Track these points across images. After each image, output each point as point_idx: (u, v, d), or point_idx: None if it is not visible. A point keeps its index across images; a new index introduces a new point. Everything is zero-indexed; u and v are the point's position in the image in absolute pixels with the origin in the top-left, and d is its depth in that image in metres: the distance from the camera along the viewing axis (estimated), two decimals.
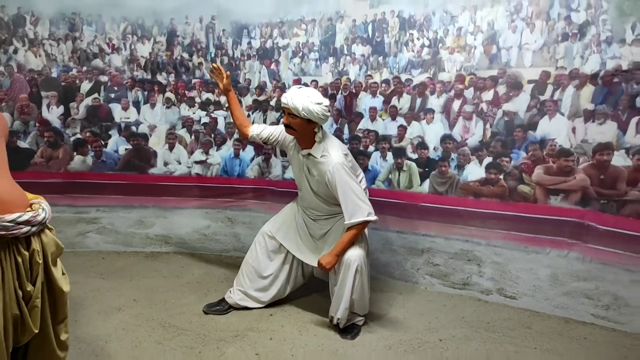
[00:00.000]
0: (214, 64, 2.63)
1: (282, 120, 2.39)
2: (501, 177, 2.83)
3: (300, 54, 3.34)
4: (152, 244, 3.69)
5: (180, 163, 3.65)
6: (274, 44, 3.41)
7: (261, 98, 3.48)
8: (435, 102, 2.97)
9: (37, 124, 3.45)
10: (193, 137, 3.62)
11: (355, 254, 2.39)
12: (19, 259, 1.37)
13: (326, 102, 2.33)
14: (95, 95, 3.52)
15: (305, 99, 2.26)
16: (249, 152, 3.58)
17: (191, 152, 3.63)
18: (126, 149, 3.60)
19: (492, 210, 2.91)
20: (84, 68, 3.49)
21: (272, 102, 3.45)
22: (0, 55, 3.36)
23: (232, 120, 3.46)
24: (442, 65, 2.93)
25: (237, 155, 3.60)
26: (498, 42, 2.77)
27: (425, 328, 2.60)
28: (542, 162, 2.71)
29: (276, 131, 2.64)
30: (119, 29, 3.48)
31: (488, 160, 2.86)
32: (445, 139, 2.96)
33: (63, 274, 1.57)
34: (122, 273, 3.20)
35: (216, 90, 3.53)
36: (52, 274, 1.50)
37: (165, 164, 3.65)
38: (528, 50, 2.69)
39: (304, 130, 2.35)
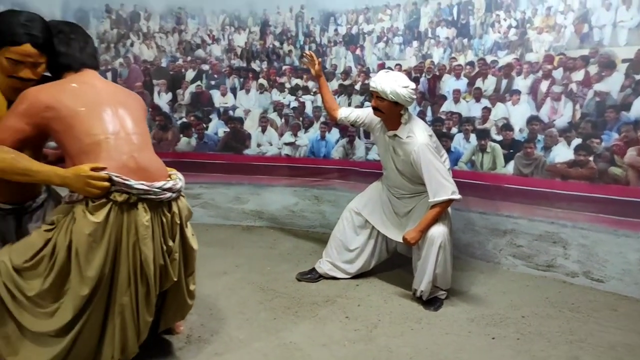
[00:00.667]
0: (306, 52, 2.84)
1: (370, 103, 2.55)
2: (591, 158, 2.79)
3: (385, 39, 3.46)
4: (247, 218, 4.05)
5: (271, 144, 3.96)
6: (359, 30, 3.56)
7: (346, 82, 3.66)
8: (521, 83, 2.97)
9: (150, 109, 3.91)
10: (283, 120, 3.89)
11: (439, 231, 2.52)
12: (164, 219, 1.69)
13: (412, 85, 2.46)
14: (198, 82, 3.91)
15: (392, 83, 2.41)
16: (334, 134, 3.79)
17: (281, 134, 3.92)
18: (224, 132, 3.97)
19: (579, 192, 2.87)
20: (189, 58, 3.88)
21: (357, 86, 3.62)
22: (119, 48, 3.84)
23: (320, 104, 3.71)
24: (530, 46, 2.91)
25: (323, 137, 3.83)
26: (590, 20, 2.70)
27: (508, 305, 2.67)
28: (635, 143, 2.64)
29: (363, 114, 2.82)
30: (218, 21, 3.82)
31: (577, 141, 2.82)
32: (532, 120, 2.96)
33: (192, 234, 1.88)
34: (224, 243, 3.58)
35: (305, 76, 3.77)
36: (185, 233, 1.82)
37: (258, 145, 3.97)
38: (623, 28, 2.60)
39: (391, 112, 2.50)
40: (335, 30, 3.62)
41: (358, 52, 3.58)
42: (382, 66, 3.46)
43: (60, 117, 1.58)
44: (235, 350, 2.12)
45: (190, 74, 3.91)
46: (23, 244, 1.62)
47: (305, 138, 3.87)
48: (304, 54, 2.86)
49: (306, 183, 3.98)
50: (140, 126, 1.75)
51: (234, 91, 3.92)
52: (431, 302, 2.64)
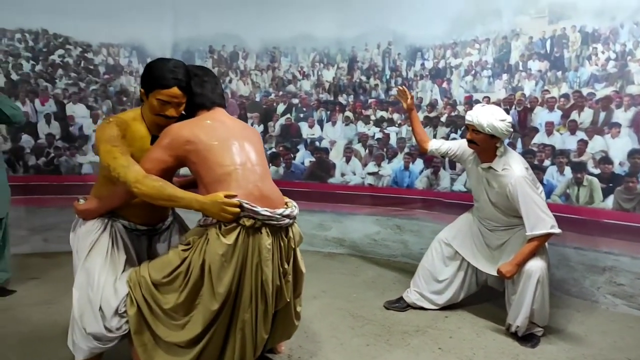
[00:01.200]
0: (399, 87, 2.97)
1: (466, 136, 2.60)
2: None
3: (473, 72, 3.52)
4: (329, 245, 4.17)
5: (355, 174, 4.09)
6: (446, 64, 3.65)
7: (432, 115, 3.73)
8: (622, 115, 2.89)
9: None
10: (367, 150, 4.02)
11: (537, 265, 2.48)
12: (282, 244, 1.84)
13: (509, 118, 2.49)
14: (288, 115, 4.16)
15: (489, 116, 2.45)
16: (418, 165, 3.86)
17: (365, 164, 4.04)
18: (310, 161, 4.16)
19: None
20: (280, 92, 4.15)
21: (443, 118, 3.68)
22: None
23: (404, 136, 3.81)
24: (631, 78, 2.84)
25: (407, 167, 3.90)
26: None
27: (610, 346, 2.55)
28: None
29: (454, 146, 2.87)
30: (309, 58, 4.07)
31: None
32: (634, 153, 2.86)
33: (301, 258, 2.01)
34: (310, 268, 3.67)
35: (390, 109, 3.89)
36: (297, 257, 1.96)
37: (342, 174, 4.11)
38: None
39: (487, 145, 2.54)
40: (422, 64, 3.73)
41: (445, 85, 3.66)
42: (469, 98, 3.51)
43: (198, 150, 1.79)
44: None
45: (281, 108, 4.17)
46: (161, 262, 1.83)
47: (389, 168, 3.96)
48: (397, 88, 2.99)
49: (388, 212, 4.04)
50: (261, 158, 1.94)
51: (320, 123, 4.12)
52: (527, 338, 2.57)
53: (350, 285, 3.42)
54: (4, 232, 3.00)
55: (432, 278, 2.94)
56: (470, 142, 2.58)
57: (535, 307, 2.50)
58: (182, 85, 1.84)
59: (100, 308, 1.77)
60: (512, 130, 2.51)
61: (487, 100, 3.42)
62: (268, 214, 1.75)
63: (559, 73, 3.11)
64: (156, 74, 1.82)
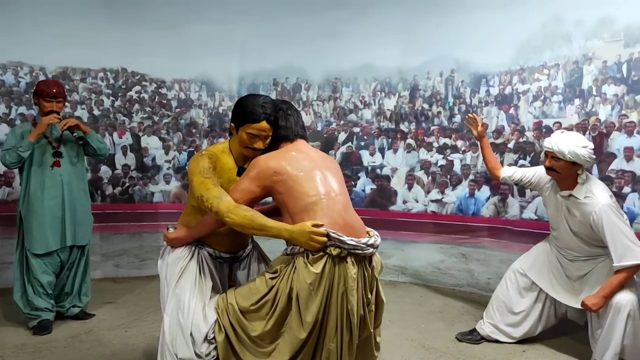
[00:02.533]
0: (469, 115, 2.95)
1: (544, 163, 2.54)
2: None
3: (542, 98, 3.45)
4: (390, 273, 4.12)
5: (417, 201, 4.05)
6: (513, 90, 3.60)
7: (498, 141, 3.67)
8: None
9: None
10: (430, 177, 3.99)
11: (626, 298, 2.35)
12: (366, 273, 1.85)
13: (591, 145, 2.42)
14: (349, 143, 4.22)
15: (571, 143, 2.39)
16: (484, 191, 3.78)
17: (428, 192, 4.00)
18: (371, 189, 4.18)
19: None
20: (341, 122, 4.23)
21: (510, 145, 3.61)
22: None
23: (468, 162, 3.76)
24: None
25: (472, 194, 3.83)
26: None
27: None
28: None
29: (529, 173, 2.80)
30: (370, 87, 4.14)
31: None
32: None
33: (381, 288, 2.00)
34: None
35: (453, 136, 3.86)
36: (379, 286, 1.95)
37: (404, 201, 4.09)
38: None
39: (567, 172, 2.46)
40: (487, 91, 3.70)
41: (511, 111, 3.60)
42: (539, 124, 3.44)
43: (284, 180, 1.85)
44: None
45: (342, 136, 4.24)
46: (248, 289, 1.87)
47: (453, 195, 3.91)
48: (467, 116, 2.97)
49: (453, 240, 3.96)
50: (343, 188, 1.97)
51: (382, 151, 4.15)
52: None
53: (417, 315, 3.36)
54: (87, 258, 3.18)
55: (508, 310, 2.83)
56: (550, 170, 2.51)
57: (627, 343, 2.35)
58: (271, 120, 1.92)
59: (191, 334, 1.83)
60: (594, 157, 2.43)
61: (559, 125, 3.33)
62: (354, 243, 1.77)
63: (638, 97, 2.99)
64: (247, 109, 1.91)
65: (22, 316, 2.98)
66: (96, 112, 4.07)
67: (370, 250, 1.84)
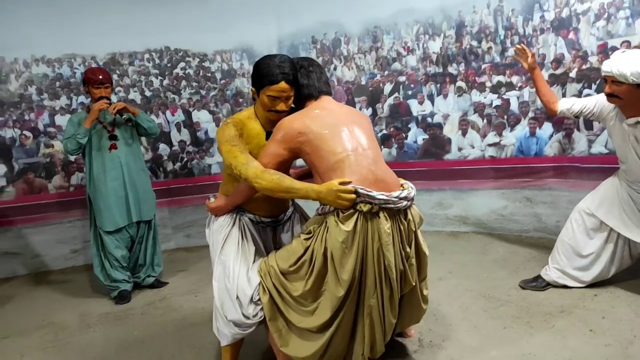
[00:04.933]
0: (517, 45, 2.69)
1: (604, 89, 2.27)
2: None
3: (606, 16, 3.05)
4: (451, 224, 4.00)
5: (473, 147, 3.84)
6: (571, 12, 3.22)
7: (558, 71, 3.33)
8: None
9: None
10: (485, 120, 3.75)
11: None
12: (402, 227, 1.79)
13: None
14: (396, 94, 4.05)
15: (632, 63, 2.10)
16: (546, 129, 3.49)
17: (484, 136, 3.77)
18: (423, 139, 4.01)
19: None
20: (386, 72, 4.05)
21: (572, 74, 3.26)
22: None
23: (526, 99, 3.47)
24: None
25: (533, 134, 3.55)
26: None
27: None
28: None
29: (590, 103, 2.52)
30: (412, 32, 3.90)
31: None
32: None
33: (423, 240, 1.94)
34: (432, 249, 3.54)
35: (508, 72, 3.57)
36: (419, 239, 1.89)
37: (460, 149, 3.89)
38: None
39: (632, 97, 2.19)
40: (542, 16, 3.34)
41: (571, 35, 3.23)
42: (604, 47, 3.06)
43: (310, 140, 1.81)
44: (472, 357, 2.10)
45: (387, 87, 4.07)
46: (286, 251, 1.90)
47: (512, 137, 3.65)
48: (515, 48, 2.71)
49: (516, 184, 3.74)
50: (372, 142, 1.90)
51: (431, 98, 3.94)
52: None
53: (479, 264, 3.25)
54: (154, 232, 3.39)
55: (575, 253, 2.65)
56: (611, 96, 2.25)
57: None
58: (289, 79, 1.88)
59: (237, 297, 1.90)
60: None
61: (627, 45, 2.94)
62: (384, 197, 1.72)
63: None
64: (264, 72, 1.88)
65: (104, 288, 3.28)
66: (147, 92, 4.24)
67: (404, 203, 1.77)
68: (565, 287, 2.69)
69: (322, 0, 4.02)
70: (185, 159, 4.34)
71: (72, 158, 4.03)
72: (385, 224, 1.72)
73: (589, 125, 3.24)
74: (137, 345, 2.54)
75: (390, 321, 1.83)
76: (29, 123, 3.95)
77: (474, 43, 3.69)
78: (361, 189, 1.70)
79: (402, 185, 1.88)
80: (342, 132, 1.84)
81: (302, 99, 1.99)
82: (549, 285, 2.73)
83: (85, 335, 2.72)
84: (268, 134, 2.01)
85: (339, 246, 1.70)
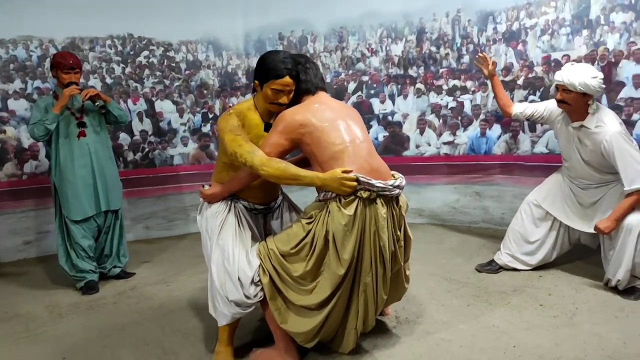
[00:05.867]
0: (480, 54, 2.99)
1: (556, 96, 2.61)
2: None
3: (550, 31, 3.46)
4: (408, 215, 4.19)
5: (430, 145, 4.15)
6: (520, 26, 3.60)
7: (508, 78, 3.71)
8: None
9: None
10: (441, 121, 4.07)
11: (637, 219, 2.49)
12: (394, 212, 1.99)
13: (600, 75, 2.48)
14: (359, 93, 4.27)
15: (581, 75, 2.45)
16: (495, 130, 3.86)
17: (440, 134, 4.09)
18: (384, 136, 4.27)
19: None
20: (350, 71, 4.26)
21: (520, 81, 3.65)
22: None
23: (478, 103, 3.81)
24: None
25: (483, 134, 3.92)
26: None
27: None
28: None
29: (540, 107, 2.88)
30: (376, 34, 4.14)
31: None
32: None
33: (407, 225, 2.15)
34: None
35: (462, 77, 3.90)
36: (405, 224, 2.10)
37: (417, 146, 4.19)
38: None
39: (578, 103, 2.54)
40: (494, 28, 3.70)
41: (520, 47, 3.62)
42: (547, 58, 3.47)
43: (311, 132, 1.95)
44: (444, 330, 2.35)
45: (351, 86, 4.28)
46: (286, 235, 2.02)
47: (465, 136, 4.00)
48: (477, 56, 3.01)
49: (467, 180, 4.10)
50: (365, 134, 2.08)
51: (392, 98, 4.20)
52: (629, 291, 2.60)
53: (437, 252, 3.54)
54: (121, 221, 3.35)
55: (523, 240, 3.00)
56: (561, 102, 2.59)
57: (638, 261, 2.52)
58: (293, 74, 2.01)
59: (239, 278, 2.00)
60: (604, 87, 2.49)
61: (567, 58, 3.36)
62: (382, 185, 1.90)
63: None
64: (270, 66, 1.99)
65: (69, 279, 3.19)
66: (108, 80, 4.13)
67: (397, 191, 1.97)
68: (515, 269, 3.04)
69: None
70: (147, 149, 4.28)
71: (25, 145, 3.85)
72: (382, 209, 1.91)
73: (532, 127, 3.65)
74: (118, 331, 2.53)
75: (382, 297, 2.03)
76: None
77: (433, 49, 3.99)
78: (362, 177, 1.87)
79: (393, 174, 2.07)
80: (340, 125, 1.99)
81: (299, 93, 2.12)
82: (501, 268, 3.07)
83: (59, 325, 2.66)
84: (266, 125, 2.12)
85: (341, 229, 1.86)
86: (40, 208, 3.92)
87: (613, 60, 3.17)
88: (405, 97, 4.15)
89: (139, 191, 4.32)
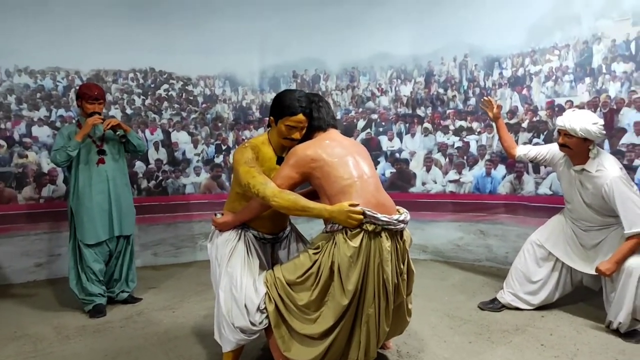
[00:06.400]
0: (485, 98, 3.13)
1: (558, 141, 2.71)
2: None
3: (554, 78, 3.60)
4: (412, 251, 4.28)
5: (436, 182, 4.25)
6: (525, 71, 3.75)
7: (512, 121, 3.83)
8: None
9: None
10: (447, 159, 4.18)
11: (636, 262, 2.53)
12: (398, 246, 2.06)
13: (601, 121, 2.58)
14: (368, 130, 4.41)
15: (582, 120, 2.56)
16: (500, 170, 3.96)
17: (445, 173, 4.19)
18: (391, 172, 4.37)
19: None
20: (360, 109, 4.42)
21: (524, 124, 3.77)
22: None
23: (484, 143, 3.93)
24: None
25: (488, 173, 4.01)
26: None
27: None
28: None
29: (543, 150, 2.97)
30: (386, 75, 4.31)
31: None
32: None
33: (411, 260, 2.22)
34: None
35: (469, 118, 4.03)
36: (408, 258, 2.17)
37: (423, 183, 4.28)
38: None
39: (579, 148, 2.64)
40: (500, 73, 3.86)
41: (524, 92, 3.75)
42: (551, 103, 3.59)
43: (321, 166, 2.06)
44: None
45: (361, 123, 4.43)
46: (293, 264, 2.10)
47: (470, 175, 4.09)
48: (483, 99, 3.15)
49: (471, 218, 4.16)
50: (373, 171, 2.18)
51: (400, 136, 4.34)
52: (631, 334, 2.61)
53: (439, 289, 3.57)
54: (132, 247, 3.44)
55: (526, 279, 3.03)
56: (563, 146, 2.69)
57: (638, 304, 2.54)
58: (307, 112, 2.14)
59: (245, 305, 2.07)
60: (604, 132, 2.60)
61: (571, 104, 3.49)
62: (387, 219, 1.99)
63: None
64: (285, 104, 2.12)
65: (77, 302, 3.26)
66: (128, 110, 4.32)
67: (401, 225, 2.05)
68: (517, 309, 3.06)
69: (305, 39, 4.35)
70: (160, 178, 4.41)
71: (45, 170, 4.00)
72: (386, 243, 1.99)
73: (536, 169, 3.74)
74: (124, 355, 2.58)
75: (384, 329, 2.07)
76: (4, 132, 3.90)
77: (441, 90, 4.15)
78: (368, 211, 1.96)
79: (398, 209, 2.16)
80: (349, 161, 2.10)
81: (312, 130, 2.24)
82: (503, 307, 3.09)
83: (67, 346, 2.72)
84: (279, 159, 2.24)
85: (346, 260, 1.93)
86: (54, 231, 4.03)
87: (615, 107, 3.29)
88: (413, 135, 4.28)
89: (149, 218, 4.42)
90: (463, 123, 4.08)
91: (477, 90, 3.97)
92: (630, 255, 2.56)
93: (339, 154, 2.11)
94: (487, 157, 3.98)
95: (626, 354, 2.44)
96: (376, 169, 4.35)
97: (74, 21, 3.97)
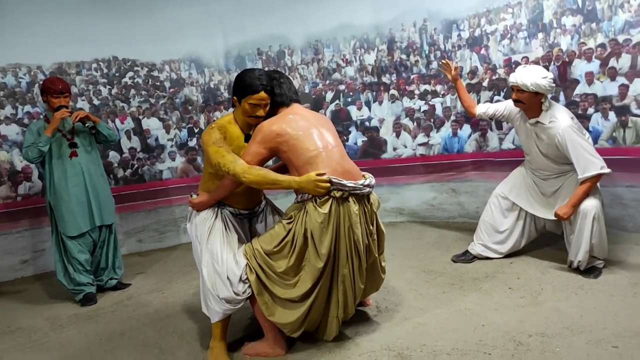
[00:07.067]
0: (442, 61, 3.23)
1: (511, 96, 2.85)
2: None
3: (509, 36, 3.72)
4: (389, 215, 4.50)
5: (406, 147, 4.38)
6: (482, 32, 3.86)
7: (474, 81, 3.96)
8: None
9: None
10: (415, 123, 4.30)
11: (591, 204, 2.72)
12: (366, 209, 2.19)
13: (550, 75, 2.72)
14: (337, 101, 4.49)
15: (532, 75, 2.69)
16: (466, 130, 4.10)
17: (414, 137, 4.32)
18: (363, 141, 4.49)
19: None
20: (327, 81, 4.49)
21: (485, 83, 3.90)
22: None
23: (449, 105, 4.06)
24: None
25: (455, 134, 4.15)
26: None
27: None
28: None
29: (500, 107, 3.12)
30: (350, 45, 4.37)
31: None
32: None
33: (380, 221, 2.36)
34: None
35: (432, 81, 4.15)
36: (378, 219, 2.31)
37: (394, 148, 4.42)
38: None
39: (532, 102, 2.78)
40: (459, 35, 3.96)
41: (483, 51, 3.87)
42: (508, 61, 3.72)
43: (287, 140, 2.16)
44: (420, 315, 2.55)
45: (329, 95, 4.51)
46: (269, 235, 2.22)
47: (438, 137, 4.23)
48: (441, 62, 3.25)
49: (442, 178, 4.32)
50: (337, 140, 2.29)
51: (368, 104, 4.43)
52: (590, 271, 2.82)
53: (416, 247, 3.75)
54: (114, 235, 3.51)
55: (494, 230, 3.22)
56: (517, 102, 2.83)
57: (594, 242, 2.75)
58: (268, 89, 2.22)
59: (228, 277, 2.19)
60: (554, 85, 2.74)
61: (526, 60, 3.62)
62: (353, 185, 2.11)
63: (593, 25, 3.27)
64: (247, 83, 2.19)
65: (67, 293, 3.34)
66: (96, 101, 4.30)
67: (367, 189, 2.18)
68: (487, 258, 3.25)
69: (266, 15, 4.36)
70: (136, 165, 4.45)
71: (18, 168, 4.00)
72: (354, 207, 2.11)
73: (499, 125, 3.89)
74: (117, 336, 2.70)
75: (359, 286, 2.23)
76: None
77: (403, 56, 4.24)
78: (335, 178, 2.07)
79: (363, 175, 2.28)
80: (313, 133, 2.20)
81: (275, 106, 2.32)
82: (475, 257, 3.29)
83: (61, 334, 2.81)
84: (246, 137, 2.32)
85: (318, 226, 2.06)
86: (35, 228, 4.06)
87: (567, 59, 3.43)
88: (381, 103, 4.38)
89: (130, 206, 4.47)
90: (427, 87, 4.19)
91: (438, 53, 4.07)
92: (585, 198, 2.75)
93: (304, 127, 2.21)
94: (452, 118, 4.12)
95: (584, 289, 2.66)
96: (347, 139, 4.50)
97: (30, 16, 3.91)
